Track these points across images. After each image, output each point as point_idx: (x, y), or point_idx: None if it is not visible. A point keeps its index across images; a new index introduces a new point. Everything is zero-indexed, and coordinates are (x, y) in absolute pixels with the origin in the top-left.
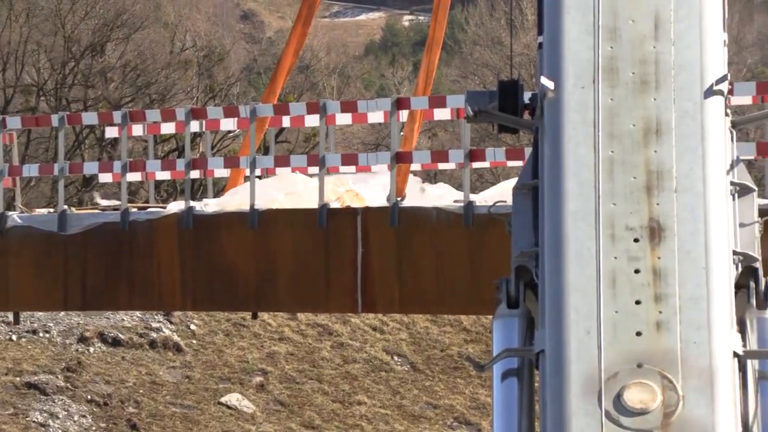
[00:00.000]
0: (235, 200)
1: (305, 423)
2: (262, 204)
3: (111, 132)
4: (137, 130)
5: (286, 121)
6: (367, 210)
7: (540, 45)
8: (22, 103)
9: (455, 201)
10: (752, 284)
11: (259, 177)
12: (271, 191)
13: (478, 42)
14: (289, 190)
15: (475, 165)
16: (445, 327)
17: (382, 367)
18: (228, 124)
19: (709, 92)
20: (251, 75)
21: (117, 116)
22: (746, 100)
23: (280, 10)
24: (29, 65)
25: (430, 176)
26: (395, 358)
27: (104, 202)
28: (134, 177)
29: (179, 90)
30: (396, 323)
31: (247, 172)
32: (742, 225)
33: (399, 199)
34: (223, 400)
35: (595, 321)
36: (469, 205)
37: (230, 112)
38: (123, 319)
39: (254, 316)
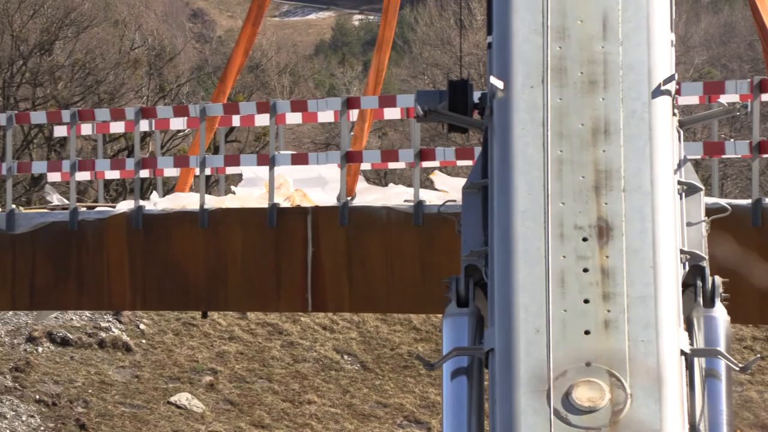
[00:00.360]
0: (182, 199)
1: (255, 422)
2: (211, 203)
3: (60, 131)
4: (86, 129)
5: (236, 121)
6: (317, 209)
7: (489, 45)
8: None
9: (405, 200)
10: (699, 283)
11: (209, 176)
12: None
13: (428, 42)
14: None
15: (425, 164)
16: (395, 326)
17: (332, 366)
18: (178, 124)
19: (657, 92)
20: (201, 74)
21: (66, 115)
22: (693, 99)
23: (230, 9)
24: None
25: (380, 175)
26: (345, 357)
27: (57, 198)
28: (83, 176)
29: (129, 89)
30: (346, 322)
31: (197, 172)
32: (689, 224)
33: (349, 198)
34: (172, 399)
35: (544, 320)
36: (419, 204)
37: (180, 111)
38: (72, 319)
39: (204, 316)
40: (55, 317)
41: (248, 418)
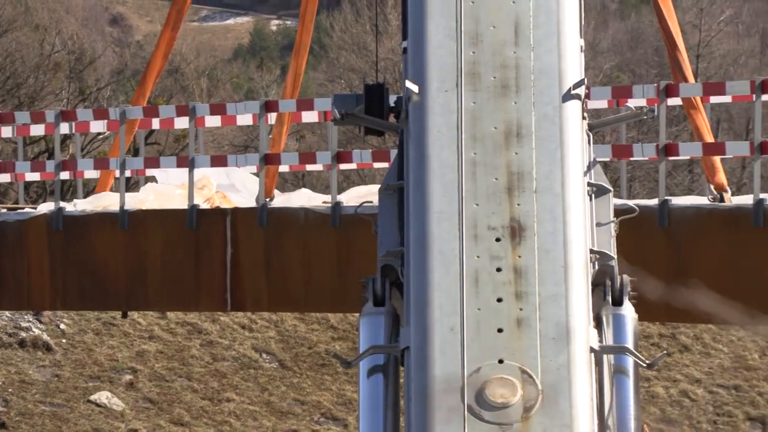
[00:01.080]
0: (103, 200)
1: (174, 420)
2: (131, 204)
3: None
4: (6, 131)
5: (155, 124)
6: (236, 211)
7: (404, 50)
8: None
9: (324, 202)
10: (608, 282)
11: (129, 178)
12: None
13: (344, 47)
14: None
15: (342, 167)
16: (313, 325)
17: (250, 365)
18: (98, 126)
19: (567, 96)
20: (121, 78)
21: None
22: (602, 104)
23: (149, 14)
24: None
25: (298, 177)
26: (264, 355)
27: None
28: (4, 178)
29: (49, 92)
30: (265, 321)
31: (117, 174)
32: (598, 224)
33: (267, 199)
34: (92, 398)
35: (458, 318)
36: (337, 205)
37: (100, 114)
38: None
39: (124, 315)
40: None
41: (167, 416)
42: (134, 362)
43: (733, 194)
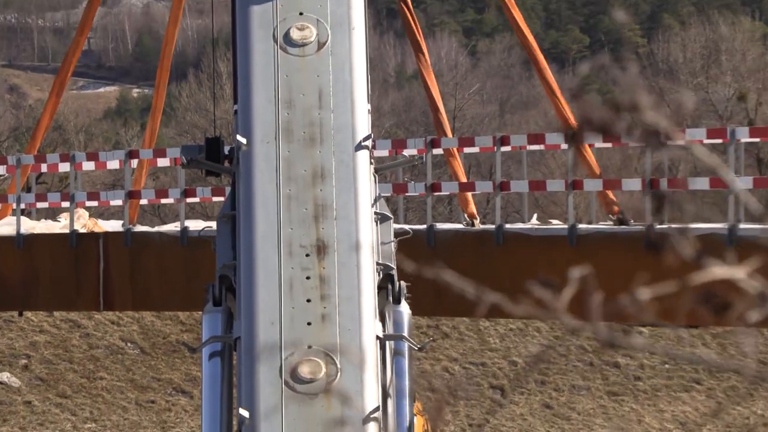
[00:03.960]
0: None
1: (59, 394)
2: (26, 229)
3: None
4: None
5: (44, 168)
6: (107, 234)
7: (235, 112)
8: None
9: (175, 226)
10: (390, 286)
11: (23, 209)
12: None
13: (189, 109)
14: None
15: (189, 200)
16: (167, 320)
17: (118, 351)
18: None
19: (359, 147)
20: (17, 133)
21: None
22: (384, 152)
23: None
24: None
25: (155, 209)
26: (128, 344)
27: None
28: None
29: None
30: (129, 318)
31: (14, 206)
32: (383, 243)
33: (131, 225)
34: None
35: (277, 314)
36: (185, 229)
37: (1, 160)
38: None
39: (20, 314)
40: None
41: (54, 391)
42: (28, 350)
43: (480, 221)
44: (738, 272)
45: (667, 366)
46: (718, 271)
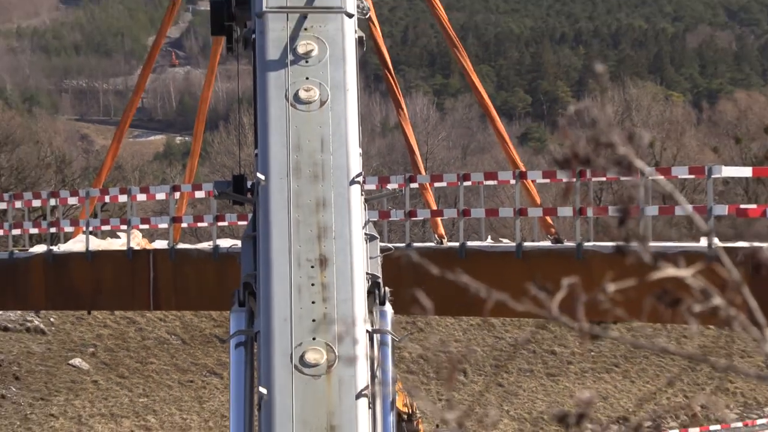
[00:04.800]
0: (76, 245)
1: (119, 375)
2: (94, 247)
3: None
4: (18, 204)
5: (107, 198)
6: (156, 250)
7: (256, 155)
8: None
9: (209, 244)
10: (377, 291)
11: (91, 231)
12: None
13: (220, 152)
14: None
15: (220, 224)
16: (202, 317)
17: (165, 342)
18: (72, 200)
19: (352, 182)
20: (86, 172)
21: None
22: (373, 186)
23: (103, 134)
24: None
25: (193, 231)
26: (172, 336)
27: None
28: (16, 231)
29: (43, 181)
30: (173, 316)
31: (84, 228)
32: (371, 258)
33: (174, 243)
34: (70, 362)
35: (289, 313)
36: (216, 247)
37: (74, 193)
38: None
39: (89, 313)
40: None
41: (115, 372)
42: (95, 340)
43: (447, 240)
44: (685, 272)
45: (592, 353)
46: (670, 271)
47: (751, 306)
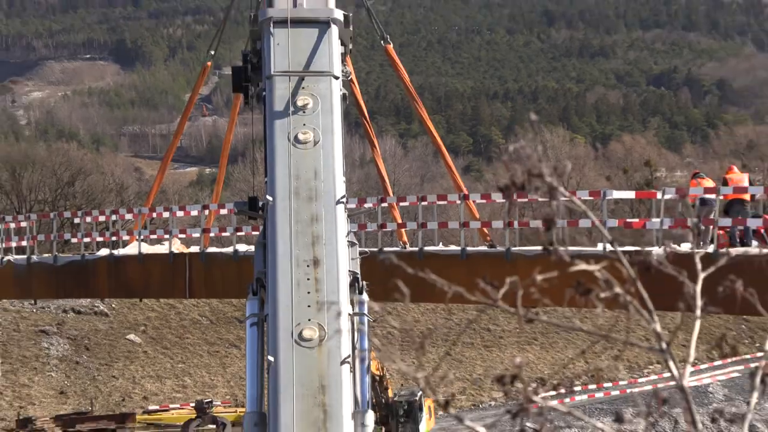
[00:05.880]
0: (131, 249)
1: (163, 347)
2: (144, 251)
3: None
4: (88, 220)
5: (154, 215)
6: (191, 254)
7: (266, 182)
8: None
9: (230, 249)
10: (356, 284)
11: (142, 239)
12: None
13: (239, 180)
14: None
15: (238, 234)
16: (226, 304)
17: (197, 322)
18: (129, 216)
19: (338, 202)
20: (139, 195)
21: None
22: (353, 205)
23: (152, 166)
24: None
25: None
26: (203, 318)
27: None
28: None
29: (107, 203)
30: (203, 302)
31: (137, 237)
32: (352, 259)
33: (205, 248)
34: (127, 337)
35: (290, 300)
36: (236, 251)
37: (130, 210)
38: None
39: (140, 300)
40: None
41: (160, 345)
42: (145, 321)
43: (409, 245)
44: (594, 268)
45: (518, 330)
46: (582, 267)
47: (643, 295)
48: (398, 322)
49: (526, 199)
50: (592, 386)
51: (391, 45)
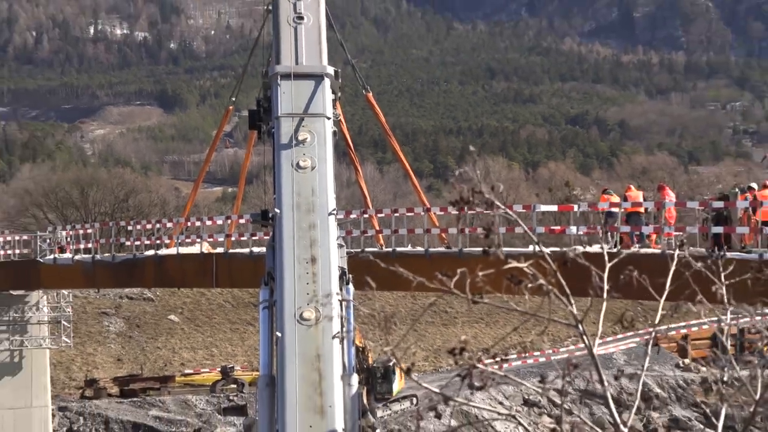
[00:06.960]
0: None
1: (196, 324)
2: (182, 251)
3: None
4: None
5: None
6: (217, 254)
7: (274, 198)
8: None
9: (248, 250)
10: (344, 277)
11: (180, 243)
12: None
13: (254, 197)
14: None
15: (253, 238)
16: (244, 292)
17: (222, 306)
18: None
19: (330, 214)
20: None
21: None
22: (341, 216)
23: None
24: None
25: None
26: (226, 303)
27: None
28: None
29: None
30: (227, 290)
31: (176, 241)
32: (341, 257)
33: (228, 250)
34: (168, 317)
35: (294, 289)
36: (251, 251)
37: (170, 219)
38: None
39: (178, 288)
40: None
41: (193, 324)
42: (182, 305)
43: (384, 247)
44: (524, 264)
45: (467, 311)
46: (515, 264)
47: (562, 284)
48: (377, 306)
49: (474, 211)
50: (524, 355)
51: (371, 93)
